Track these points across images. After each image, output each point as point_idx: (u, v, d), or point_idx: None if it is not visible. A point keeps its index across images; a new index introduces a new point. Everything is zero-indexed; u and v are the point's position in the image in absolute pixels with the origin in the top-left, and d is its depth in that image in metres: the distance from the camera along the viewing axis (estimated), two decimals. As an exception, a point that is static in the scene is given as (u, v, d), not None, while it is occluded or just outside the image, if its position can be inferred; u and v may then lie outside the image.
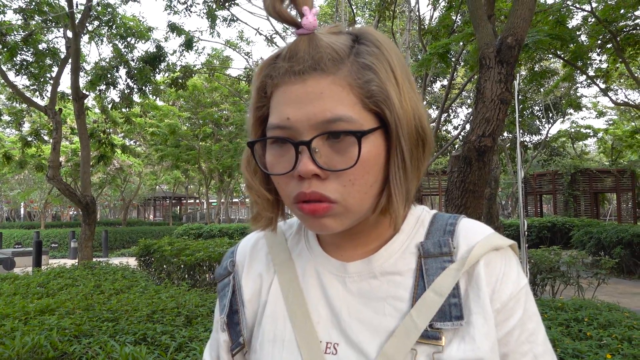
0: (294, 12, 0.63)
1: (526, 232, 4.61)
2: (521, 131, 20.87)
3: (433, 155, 12.49)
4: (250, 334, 0.75)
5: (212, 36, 26.70)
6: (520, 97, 10.12)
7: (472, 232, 0.69)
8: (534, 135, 23.59)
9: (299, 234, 0.78)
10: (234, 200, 43.61)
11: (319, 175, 0.61)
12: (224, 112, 23.05)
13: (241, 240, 0.84)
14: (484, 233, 0.68)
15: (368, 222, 0.68)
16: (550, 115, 20.75)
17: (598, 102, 23.10)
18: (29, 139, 13.24)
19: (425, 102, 14.55)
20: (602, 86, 12.63)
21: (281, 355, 0.69)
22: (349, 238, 0.71)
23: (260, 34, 13.41)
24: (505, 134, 16.03)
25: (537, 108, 21.28)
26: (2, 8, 10.26)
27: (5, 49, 10.26)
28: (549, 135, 22.07)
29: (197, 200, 46.77)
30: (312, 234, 0.75)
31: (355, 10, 15.94)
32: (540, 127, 22.71)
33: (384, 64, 0.62)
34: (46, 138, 15.62)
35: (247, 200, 44.57)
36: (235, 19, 12.96)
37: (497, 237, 0.68)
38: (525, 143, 22.26)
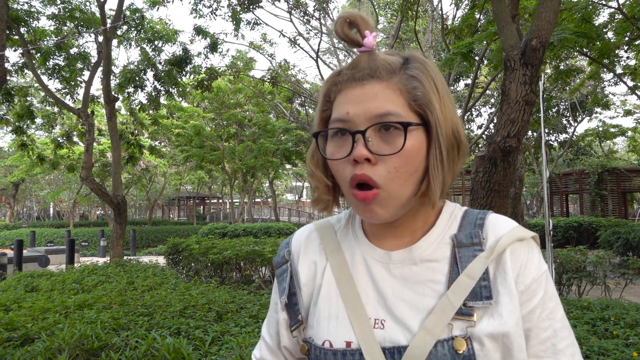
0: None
1: (551, 232, 4.62)
2: (546, 130, 20.60)
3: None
4: (306, 313, 0.88)
5: (237, 39, 27.01)
6: (545, 95, 10.04)
7: (499, 225, 0.81)
8: (559, 134, 23.25)
9: (347, 227, 0.91)
10: (256, 200, 43.98)
11: (369, 160, 0.74)
12: (247, 112, 23.32)
13: (295, 233, 0.97)
14: (510, 226, 0.81)
15: (407, 217, 0.82)
16: (577, 113, 20.42)
17: (626, 100, 22.62)
18: (60, 140, 13.65)
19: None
20: (630, 84, 12.42)
21: (336, 330, 0.81)
22: (391, 231, 0.84)
23: (284, 36, 13.56)
24: (530, 132, 15.89)
25: (563, 106, 20.97)
26: (36, 15, 10.64)
27: (39, 54, 10.64)
28: (575, 134, 21.72)
29: (220, 200, 47.33)
30: (358, 227, 0.89)
31: (377, 10, 15.98)
32: (567, 126, 22.37)
33: (428, 77, 0.77)
34: (75, 140, 16.05)
35: (269, 200, 44.96)
36: (259, 21, 13.14)
37: (521, 229, 0.80)
38: (551, 142, 21.94)
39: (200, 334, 3.76)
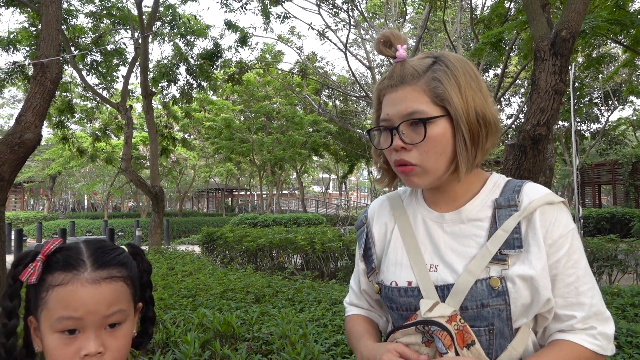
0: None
1: (582, 220, 4.69)
2: (578, 119, 20.24)
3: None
4: (379, 262, 1.15)
5: (266, 32, 27.27)
6: (577, 84, 9.93)
7: (533, 191, 1.02)
8: (592, 124, 22.79)
9: (411, 196, 1.16)
10: (284, 192, 44.39)
11: (404, 148, 1.00)
12: (275, 105, 23.58)
13: (371, 203, 1.26)
14: (542, 192, 1.01)
15: (451, 188, 1.06)
16: (610, 102, 19.98)
17: (662, 87, 21.96)
18: (98, 134, 14.17)
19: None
20: (666, 71, 12.13)
21: (400, 273, 1.07)
22: (443, 196, 1.08)
23: (313, 29, 13.70)
24: (560, 122, 15.67)
25: (595, 95, 20.53)
26: (75, 12, 11.05)
27: (78, 51, 11.06)
28: (608, 123, 21.26)
29: (248, 192, 47.95)
30: (420, 195, 1.14)
31: (405, 1, 15.95)
32: (599, 115, 21.91)
33: (449, 75, 0.99)
34: (108, 133, 16.56)
35: (296, 192, 45.36)
36: (288, 15, 13.32)
37: (552, 195, 1.01)
38: (582, 132, 21.55)
39: (241, 314, 3.99)
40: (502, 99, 19.01)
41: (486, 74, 19.79)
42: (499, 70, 14.64)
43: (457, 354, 0.90)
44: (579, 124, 21.97)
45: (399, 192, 1.21)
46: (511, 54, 11.84)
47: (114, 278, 0.87)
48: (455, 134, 0.98)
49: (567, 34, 3.37)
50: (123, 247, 0.95)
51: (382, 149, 1.05)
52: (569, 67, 5.00)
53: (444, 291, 0.99)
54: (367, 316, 1.22)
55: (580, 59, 12.04)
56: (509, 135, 17.65)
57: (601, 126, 21.13)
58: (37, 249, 0.87)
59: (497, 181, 1.07)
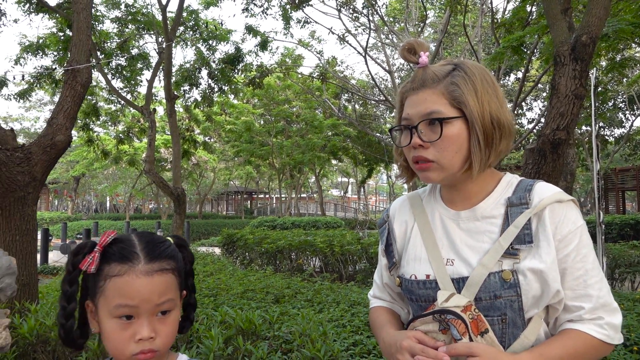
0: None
1: (603, 225, 4.67)
2: (602, 124, 19.92)
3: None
4: (399, 257, 1.23)
5: (286, 37, 27.48)
6: (600, 89, 9.81)
7: (543, 190, 1.09)
8: (616, 128, 22.40)
9: (429, 195, 1.24)
10: (302, 195, 44.55)
11: (422, 146, 1.07)
12: (295, 108, 23.73)
13: (393, 202, 1.34)
14: (552, 191, 1.08)
15: (466, 186, 1.14)
16: (635, 107, 19.63)
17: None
18: (122, 136, 14.46)
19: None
20: (692, 76, 11.91)
21: (420, 267, 1.15)
22: (459, 195, 1.16)
23: (333, 33, 13.79)
24: (583, 127, 15.47)
25: (620, 100, 20.19)
26: (101, 18, 11.33)
27: (104, 55, 11.33)
28: (633, 128, 20.88)
29: (267, 195, 48.21)
30: (438, 194, 1.22)
31: (425, 5, 15.95)
32: (624, 120, 21.53)
33: (467, 81, 1.07)
34: (132, 136, 16.87)
35: (314, 195, 45.48)
36: (308, 20, 13.44)
37: (562, 193, 1.07)
38: (606, 137, 21.19)
39: (262, 313, 4.06)
40: (523, 103, 18.84)
41: (507, 78, 19.64)
42: (520, 75, 14.52)
43: (470, 340, 0.98)
44: (602, 129, 21.61)
45: (418, 192, 1.29)
46: (532, 58, 11.75)
47: (165, 270, 0.96)
48: (470, 134, 1.06)
49: (587, 39, 3.38)
50: (170, 239, 1.03)
51: (402, 147, 1.14)
52: (590, 71, 4.98)
53: (459, 283, 1.07)
54: (390, 308, 1.30)
55: (603, 63, 11.88)
56: (530, 140, 17.47)
57: (625, 131, 20.77)
58: (93, 241, 0.97)
59: (510, 180, 1.15)
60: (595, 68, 5.31)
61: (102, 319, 0.93)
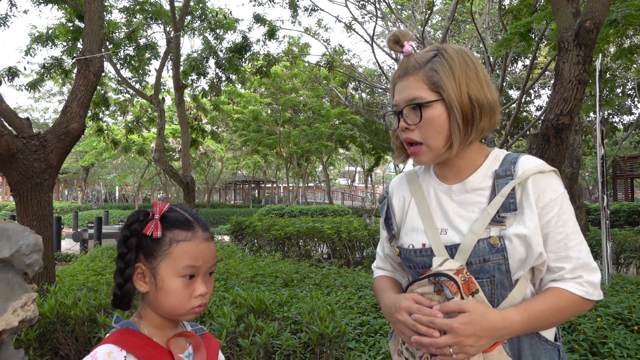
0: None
1: (608, 210, 4.71)
2: (610, 111, 19.77)
3: (508, 142, 12.30)
4: (398, 230, 1.35)
5: (293, 25, 27.42)
6: (608, 75, 9.77)
7: (527, 161, 1.19)
8: (624, 116, 22.24)
9: (424, 172, 1.35)
10: (309, 184, 44.66)
11: (408, 128, 1.19)
12: (302, 97, 23.75)
13: (393, 179, 1.45)
14: (535, 162, 1.18)
15: (456, 163, 1.24)
16: (644, 93, 19.45)
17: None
18: (131, 126, 14.60)
19: (505, 83, 14.26)
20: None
21: (417, 237, 1.26)
22: (451, 171, 1.27)
23: (340, 21, 13.78)
24: (591, 114, 15.38)
25: (629, 86, 20.02)
26: (109, 8, 11.40)
27: (112, 45, 11.42)
28: (642, 115, 20.69)
29: (275, 184, 48.41)
30: (432, 171, 1.33)
31: (432, -8, 15.84)
32: (632, 107, 21.36)
33: (445, 66, 1.16)
34: (140, 127, 16.98)
35: (322, 184, 45.61)
36: (315, 8, 13.43)
37: (544, 165, 1.17)
38: (615, 124, 21.05)
39: (272, 296, 4.17)
40: (530, 90, 18.73)
41: (515, 65, 19.53)
42: (527, 62, 14.45)
43: (462, 299, 1.09)
44: (611, 116, 21.46)
45: (415, 169, 1.41)
46: (540, 45, 11.69)
47: (212, 238, 1.13)
48: (450, 115, 1.15)
49: (591, 25, 3.42)
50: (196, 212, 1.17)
51: (393, 130, 1.26)
52: (597, 58, 5.01)
53: (452, 250, 1.17)
54: (392, 276, 1.42)
55: (612, 49, 11.79)
56: (538, 127, 17.39)
57: (634, 118, 20.62)
58: (145, 210, 1.10)
59: (497, 155, 1.25)
60: (601, 54, 5.32)
61: (166, 278, 1.06)
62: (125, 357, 1.02)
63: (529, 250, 1.12)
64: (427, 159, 1.21)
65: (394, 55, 16.03)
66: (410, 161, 1.34)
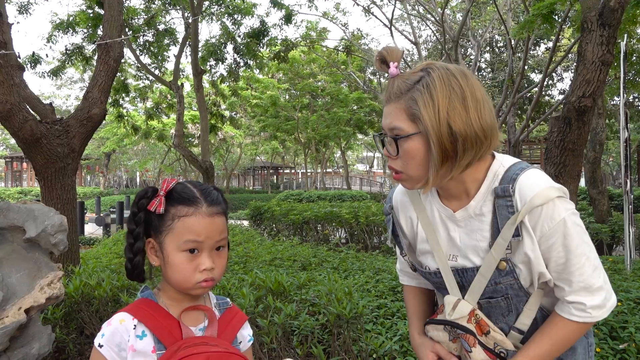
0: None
1: (629, 193, 4.62)
2: (635, 94, 19.25)
3: (533, 124, 12.10)
4: (407, 248, 1.38)
5: (310, 9, 27.23)
6: (634, 58, 9.51)
7: (525, 187, 1.14)
8: (651, 99, 21.63)
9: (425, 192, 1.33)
10: (328, 170, 44.68)
11: (390, 157, 1.16)
12: (320, 82, 23.66)
13: (395, 189, 1.42)
14: (533, 191, 1.12)
15: (452, 188, 1.22)
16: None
17: None
18: (150, 112, 14.76)
19: (527, 66, 13.99)
20: None
21: (429, 261, 1.30)
22: (450, 195, 1.24)
23: (358, 5, 13.64)
24: (616, 98, 15.02)
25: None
26: (128, -6, 11.45)
27: (132, 32, 11.50)
28: (669, 98, 20.12)
29: (293, 170, 48.55)
30: (434, 190, 1.30)
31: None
32: (660, 90, 20.74)
33: (425, 96, 1.09)
34: (159, 114, 17.14)
35: (340, 170, 45.61)
36: (333, -9, 13.29)
37: (540, 196, 1.12)
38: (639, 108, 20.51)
39: (290, 278, 4.22)
40: (553, 73, 18.35)
41: (537, 48, 19.12)
42: (550, 44, 14.13)
43: (484, 348, 1.18)
44: (637, 99, 20.91)
45: None
46: (564, 26, 11.42)
47: (220, 213, 1.12)
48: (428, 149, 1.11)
49: (615, 4, 3.34)
50: (212, 187, 1.18)
51: (381, 154, 1.24)
52: (622, 39, 4.88)
53: (464, 273, 1.23)
54: (417, 286, 1.47)
55: (639, 30, 11.44)
56: (560, 111, 17.07)
57: (661, 101, 20.07)
58: (154, 187, 1.13)
59: (496, 171, 1.19)
60: (626, 35, 5.18)
61: (170, 253, 1.09)
62: (135, 325, 1.08)
63: (533, 271, 1.16)
64: (411, 187, 1.19)
65: (413, 39, 15.83)
66: None
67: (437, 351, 1.26)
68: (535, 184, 1.12)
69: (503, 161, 1.20)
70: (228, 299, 1.24)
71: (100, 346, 1.07)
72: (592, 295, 1.13)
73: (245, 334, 1.22)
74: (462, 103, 1.09)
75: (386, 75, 1.21)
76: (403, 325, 3.19)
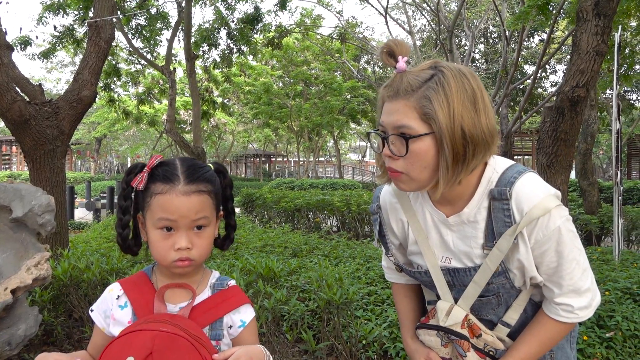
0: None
1: (619, 185, 4.65)
2: (627, 88, 19.36)
3: (526, 115, 12.14)
4: (396, 250, 1.37)
5: (304, -5, 26.96)
6: (627, 51, 9.53)
7: (522, 197, 1.13)
8: (643, 93, 21.78)
9: (415, 192, 1.28)
10: (320, 159, 44.63)
11: (392, 157, 1.09)
12: (314, 70, 23.52)
13: (381, 188, 1.38)
14: (531, 203, 1.11)
15: (450, 193, 1.18)
16: (664, 70, 18.98)
17: None
18: (142, 97, 14.59)
19: (520, 58, 14.00)
20: None
21: (418, 261, 1.30)
22: (443, 200, 1.21)
23: (353, -8, 13.48)
24: (608, 91, 15.08)
25: (649, 63, 19.52)
26: (120, -24, 11.25)
27: (123, 15, 11.33)
28: (660, 92, 20.26)
29: (285, 158, 48.45)
30: (425, 193, 1.26)
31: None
32: (651, 84, 20.87)
33: (440, 95, 1.04)
34: (151, 99, 16.97)
35: (332, 159, 45.57)
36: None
37: (540, 209, 1.10)
38: (632, 101, 20.64)
39: (281, 265, 4.22)
40: (546, 65, 18.37)
41: (531, 39, 19.12)
42: (544, 37, 14.13)
43: (475, 349, 1.21)
44: (628, 93, 21.04)
45: None
46: (559, 18, 11.40)
47: (201, 192, 1.08)
48: (439, 151, 1.06)
49: (611, -6, 3.33)
50: (210, 165, 1.16)
51: (377, 152, 1.17)
52: (617, 30, 4.88)
53: (453, 273, 1.23)
54: (406, 284, 1.46)
55: (633, 23, 11.46)
56: (553, 102, 17.12)
57: (653, 95, 20.20)
58: (143, 163, 1.12)
59: (490, 178, 1.17)
60: (621, 27, 5.18)
61: (149, 230, 1.09)
62: (119, 295, 1.12)
63: (525, 274, 1.18)
64: (407, 188, 1.13)
65: (407, 28, 15.77)
66: None
67: (431, 359, 1.28)
68: (534, 194, 1.11)
69: (496, 166, 1.17)
70: (230, 281, 1.18)
71: (92, 311, 1.12)
72: (580, 297, 1.16)
73: (237, 319, 1.14)
74: (473, 105, 1.06)
75: (389, 68, 1.16)
76: (393, 312, 3.20)
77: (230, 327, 1.13)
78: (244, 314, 1.15)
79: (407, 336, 1.38)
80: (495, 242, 1.15)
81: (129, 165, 46.96)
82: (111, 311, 1.10)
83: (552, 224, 1.10)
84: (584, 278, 1.15)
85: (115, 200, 12.57)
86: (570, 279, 1.14)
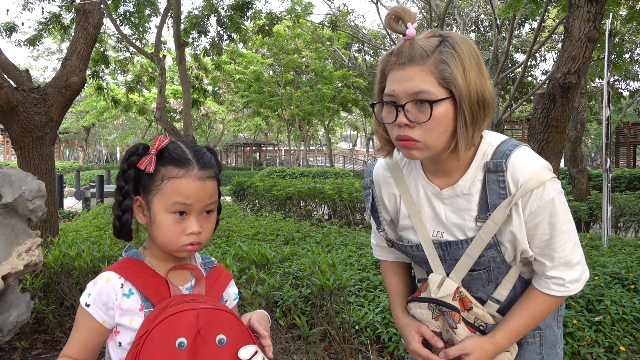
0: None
1: (610, 173, 4.70)
2: (616, 77, 19.49)
3: (516, 104, 12.18)
4: (388, 225, 1.36)
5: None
6: (617, 40, 9.56)
7: (518, 168, 1.13)
8: (631, 81, 21.93)
9: (409, 166, 1.29)
10: (311, 148, 44.56)
11: (408, 125, 1.07)
12: (304, 59, 23.38)
13: (374, 164, 1.38)
14: (527, 174, 1.12)
15: (447, 162, 1.18)
16: (652, 59, 19.12)
17: None
18: (130, 86, 14.44)
19: (511, 46, 14.02)
20: None
21: (409, 235, 1.30)
22: (439, 169, 1.21)
23: (344, -21, 13.38)
24: (597, 80, 15.17)
25: (638, 52, 19.64)
26: (107, -38, 11.06)
27: (111, 1, 11.15)
28: (649, 81, 20.41)
29: (276, 147, 48.31)
30: (419, 166, 1.27)
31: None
32: (640, 73, 21.04)
33: (456, 58, 1.05)
34: (140, 87, 16.79)
35: (323, 148, 45.52)
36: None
37: (535, 180, 1.12)
38: (621, 90, 20.79)
39: (273, 252, 4.22)
40: (537, 54, 18.42)
41: (522, 28, 19.13)
42: (535, 25, 14.14)
43: (465, 322, 1.21)
44: (617, 81, 21.18)
45: (397, 160, 1.31)
46: (549, 6, 11.41)
47: (212, 177, 1.10)
48: (457, 115, 1.07)
49: (603, -20, 3.33)
50: (205, 149, 1.14)
51: (385, 123, 1.13)
52: (607, 17, 4.89)
53: (445, 246, 1.23)
54: (395, 261, 1.45)
55: (623, 12, 11.49)
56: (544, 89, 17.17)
57: (641, 84, 20.35)
58: (145, 144, 1.09)
59: (485, 151, 1.18)
60: (612, 14, 5.20)
61: (157, 213, 1.07)
62: (122, 284, 1.07)
63: (517, 247, 1.18)
64: (421, 156, 1.12)
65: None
66: None
67: (422, 332, 1.27)
68: (529, 166, 1.12)
69: (491, 140, 1.18)
70: (213, 258, 1.23)
71: (87, 305, 1.06)
72: (571, 270, 1.17)
73: (231, 292, 1.23)
74: (480, 69, 1.08)
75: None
76: (385, 297, 3.22)
77: (227, 300, 1.21)
78: (234, 288, 1.24)
79: (398, 311, 1.37)
80: (489, 214, 1.15)
81: (118, 154, 46.73)
82: (115, 302, 1.06)
83: (546, 195, 1.11)
84: (574, 251, 1.17)
85: (106, 189, 12.49)
86: (562, 252, 1.15)
